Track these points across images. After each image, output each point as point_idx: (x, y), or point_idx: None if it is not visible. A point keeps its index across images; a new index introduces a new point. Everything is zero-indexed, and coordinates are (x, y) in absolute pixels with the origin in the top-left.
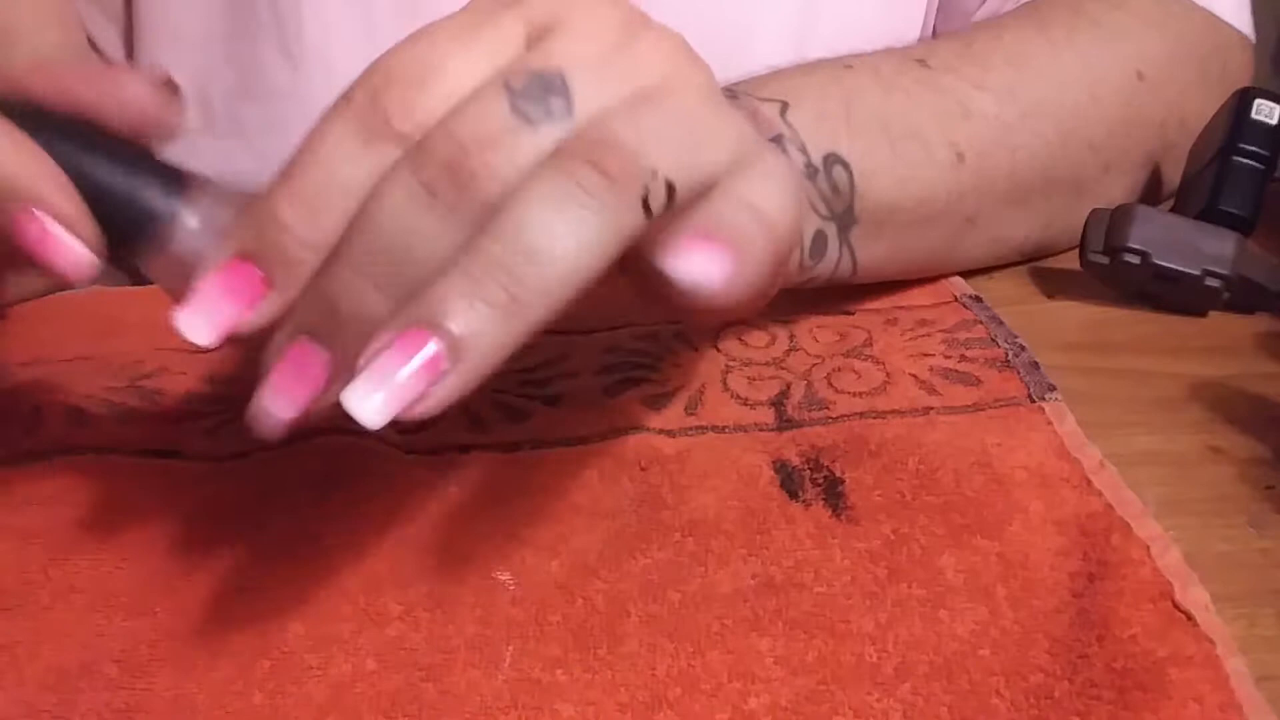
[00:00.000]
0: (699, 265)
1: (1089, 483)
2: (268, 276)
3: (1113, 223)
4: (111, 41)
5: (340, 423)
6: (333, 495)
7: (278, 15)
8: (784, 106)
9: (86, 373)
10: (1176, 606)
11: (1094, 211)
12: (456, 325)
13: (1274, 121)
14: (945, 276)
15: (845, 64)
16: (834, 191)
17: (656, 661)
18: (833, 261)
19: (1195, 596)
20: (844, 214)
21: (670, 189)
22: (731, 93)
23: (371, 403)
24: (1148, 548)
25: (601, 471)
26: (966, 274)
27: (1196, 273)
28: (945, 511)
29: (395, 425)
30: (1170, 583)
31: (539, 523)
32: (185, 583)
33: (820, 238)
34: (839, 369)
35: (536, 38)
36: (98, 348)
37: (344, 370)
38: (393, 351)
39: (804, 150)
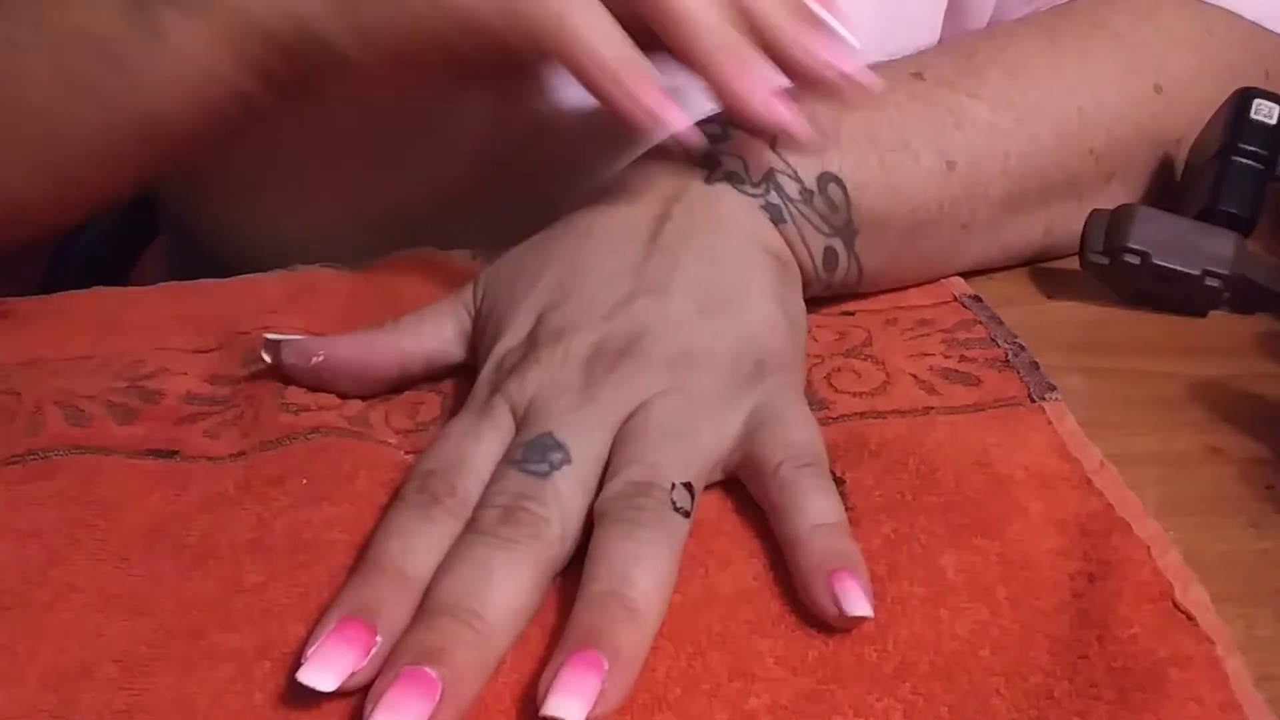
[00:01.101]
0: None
1: (1089, 483)
2: (373, 628)
3: (1113, 223)
4: None
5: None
6: (333, 495)
7: None
8: (774, 136)
9: (86, 373)
10: (1176, 607)
11: (1094, 212)
12: (619, 644)
13: (1274, 121)
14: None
15: None
16: (831, 209)
17: (656, 662)
18: (844, 270)
19: (1195, 597)
20: (845, 227)
21: (690, 487)
22: (724, 130)
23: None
24: (1148, 548)
25: None
26: (966, 274)
27: (1196, 273)
28: (945, 511)
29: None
30: (1170, 583)
31: None
32: (185, 583)
33: (830, 253)
34: (839, 369)
35: (523, 412)
36: (98, 348)
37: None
38: (567, 681)
39: (797, 178)
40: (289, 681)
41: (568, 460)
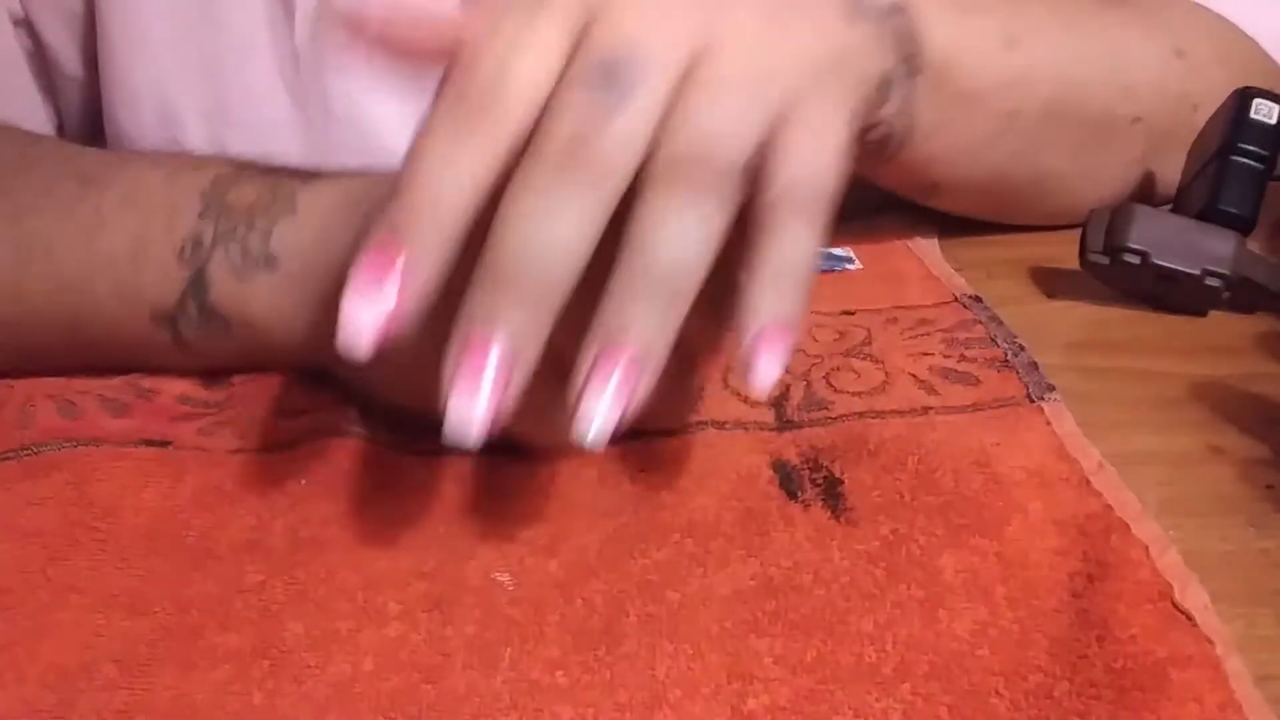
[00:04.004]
0: (765, 373)
1: (1088, 483)
2: (407, 256)
3: (1113, 223)
4: (69, 52)
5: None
6: (333, 495)
7: (275, 35)
8: None
9: (81, 371)
10: (1176, 607)
11: (1094, 211)
12: (641, 336)
13: (1274, 121)
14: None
15: None
16: (901, 36)
17: (656, 662)
18: (893, 109)
19: (1195, 597)
20: (910, 58)
21: (747, 168)
22: None
23: (594, 426)
24: (1147, 548)
25: (601, 471)
26: (966, 274)
27: (1196, 273)
28: (944, 512)
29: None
30: (1170, 583)
31: (538, 523)
32: (185, 582)
33: (885, 81)
34: (838, 368)
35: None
36: None
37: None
38: (596, 375)
39: None
40: (288, 681)
41: (647, 94)
